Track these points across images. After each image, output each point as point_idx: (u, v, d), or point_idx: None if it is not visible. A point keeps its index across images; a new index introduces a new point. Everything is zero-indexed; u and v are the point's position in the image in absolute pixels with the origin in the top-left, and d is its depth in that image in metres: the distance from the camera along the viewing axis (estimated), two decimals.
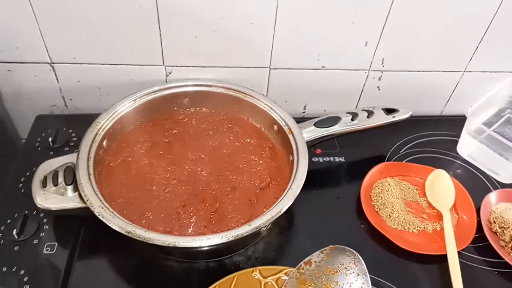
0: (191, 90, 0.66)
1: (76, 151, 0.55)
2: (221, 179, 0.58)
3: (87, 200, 0.48)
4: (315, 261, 0.47)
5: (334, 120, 0.63)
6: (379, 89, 0.76)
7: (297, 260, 0.49)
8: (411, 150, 0.73)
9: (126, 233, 0.46)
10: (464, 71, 0.75)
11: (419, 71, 0.74)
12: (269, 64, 0.70)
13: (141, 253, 0.54)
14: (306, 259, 0.47)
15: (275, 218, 0.48)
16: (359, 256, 0.46)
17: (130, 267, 0.53)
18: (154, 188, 0.56)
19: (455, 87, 0.78)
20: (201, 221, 0.53)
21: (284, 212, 0.49)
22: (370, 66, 0.72)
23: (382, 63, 0.72)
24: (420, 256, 0.56)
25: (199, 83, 0.67)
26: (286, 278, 0.48)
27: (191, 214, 0.53)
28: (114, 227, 0.46)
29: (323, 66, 0.71)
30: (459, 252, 0.56)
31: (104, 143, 0.58)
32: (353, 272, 0.45)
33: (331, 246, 0.47)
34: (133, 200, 0.54)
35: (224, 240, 0.46)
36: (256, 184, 0.58)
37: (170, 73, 0.69)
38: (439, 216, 0.62)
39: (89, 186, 0.50)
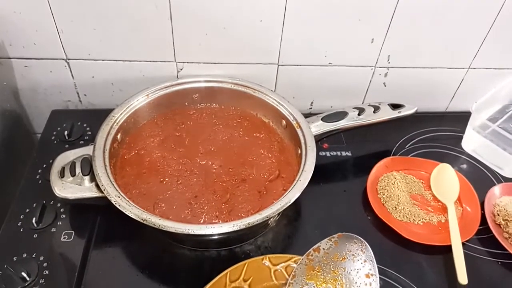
0: (201, 86, 0.68)
1: (92, 144, 0.57)
2: (232, 172, 0.60)
3: (104, 190, 0.50)
4: (323, 248, 0.48)
5: (341, 115, 0.65)
6: (385, 86, 0.78)
7: (305, 250, 0.50)
8: (417, 145, 0.74)
9: (141, 221, 0.47)
10: (469, 68, 0.77)
11: (424, 67, 0.76)
12: (277, 60, 0.71)
13: (155, 242, 0.56)
14: (315, 246, 0.48)
15: (284, 208, 0.50)
16: (366, 244, 0.47)
17: (144, 255, 0.55)
18: (166, 179, 0.58)
19: (460, 84, 0.79)
20: (212, 211, 0.55)
21: (292, 204, 0.51)
22: (376, 63, 0.74)
23: (388, 60, 0.74)
24: (425, 246, 0.57)
25: (210, 79, 0.68)
26: (295, 265, 0.49)
27: (203, 204, 0.55)
28: (130, 215, 0.48)
29: (330, 63, 0.73)
30: (463, 243, 0.57)
31: (119, 136, 0.60)
32: (361, 259, 0.47)
33: (339, 233, 0.49)
34: (147, 191, 0.56)
35: (235, 228, 0.47)
36: (265, 176, 0.59)
37: (181, 69, 0.71)
38: (444, 209, 0.64)
39: (105, 177, 0.52)
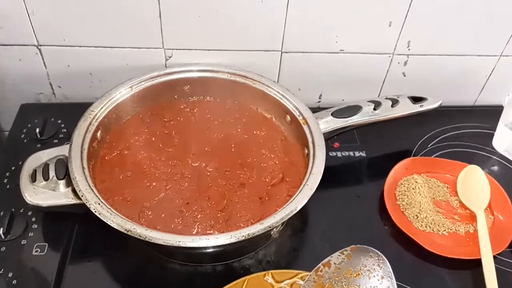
0: (193, 76, 0.68)
1: (68, 143, 0.57)
2: (228, 175, 0.60)
3: (82, 196, 0.50)
4: (334, 263, 0.48)
5: (354, 109, 0.65)
6: (405, 76, 0.78)
7: (312, 265, 0.50)
8: (441, 144, 0.75)
9: (125, 232, 0.47)
10: (501, 55, 0.77)
11: (450, 55, 0.76)
12: (280, 47, 0.71)
13: (140, 255, 0.56)
14: (325, 261, 0.48)
15: (289, 216, 0.50)
16: (384, 257, 0.47)
17: (128, 271, 0.55)
18: (154, 184, 0.58)
19: (491, 73, 0.79)
20: (206, 221, 0.55)
21: (299, 212, 0.51)
22: (395, 49, 0.74)
23: (408, 46, 0.73)
24: (451, 260, 0.57)
25: (203, 68, 0.69)
26: (302, 283, 0.49)
27: (196, 213, 0.55)
28: (112, 225, 0.48)
29: (341, 50, 0.73)
30: (494, 257, 0.57)
31: (98, 134, 0.60)
32: (377, 275, 0.47)
33: (352, 246, 0.49)
34: (131, 198, 0.56)
35: (233, 240, 0.47)
36: (267, 180, 0.60)
37: (170, 57, 0.71)
38: (472, 217, 0.64)
39: (83, 181, 0.52)
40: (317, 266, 0.48)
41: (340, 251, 0.49)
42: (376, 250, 0.48)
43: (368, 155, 0.72)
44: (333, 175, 0.67)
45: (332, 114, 0.64)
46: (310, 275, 0.48)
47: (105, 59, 0.70)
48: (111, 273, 0.54)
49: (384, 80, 0.79)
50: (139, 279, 0.54)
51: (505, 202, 0.65)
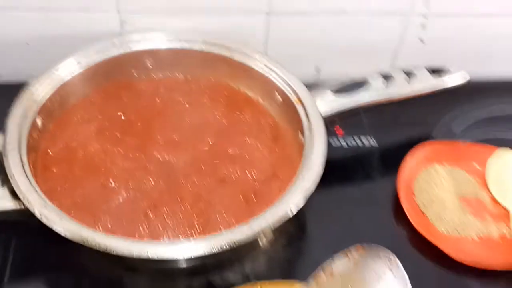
0: (157, 47, 0.72)
1: (1, 133, 0.59)
2: (205, 170, 0.64)
3: (23, 198, 0.53)
4: (336, 268, 0.51)
5: (361, 85, 0.68)
6: (423, 42, 0.82)
7: None
8: (471, 129, 0.78)
9: (81, 242, 0.50)
10: None
11: (483, 14, 0.79)
12: (267, 7, 0.75)
13: (96, 270, 0.59)
14: (324, 265, 0.51)
15: (282, 220, 0.53)
16: (396, 259, 0.50)
17: None
18: (111, 183, 0.61)
19: None
20: (179, 227, 0.58)
21: (294, 216, 0.54)
22: (411, 8, 0.77)
23: (428, 3, 0.77)
24: (483, 272, 0.60)
25: (169, 37, 0.72)
26: None
27: (165, 217, 0.59)
28: (63, 233, 0.50)
29: (342, 10, 0.76)
30: None
31: (39, 121, 0.63)
32: (389, 279, 0.49)
33: (358, 245, 0.52)
34: (83, 201, 0.59)
35: (215, 248, 0.50)
36: (254, 176, 0.63)
37: (126, 22, 0.74)
38: (508, 216, 0.66)
39: (25, 179, 0.55)
40: (315, 272, 0.51)
41: (342, 251, 0.52)
42: (387, 250, 0.50)
43: (379, 143, 0.75)
44: (336, 169, 0.70)
45: (333, 92, 0.67)
46: (308, 283, 0.52)
47: (44, 25, 0.72)
48: None
49: (398, 48, 0.82)
50: None
51: None
